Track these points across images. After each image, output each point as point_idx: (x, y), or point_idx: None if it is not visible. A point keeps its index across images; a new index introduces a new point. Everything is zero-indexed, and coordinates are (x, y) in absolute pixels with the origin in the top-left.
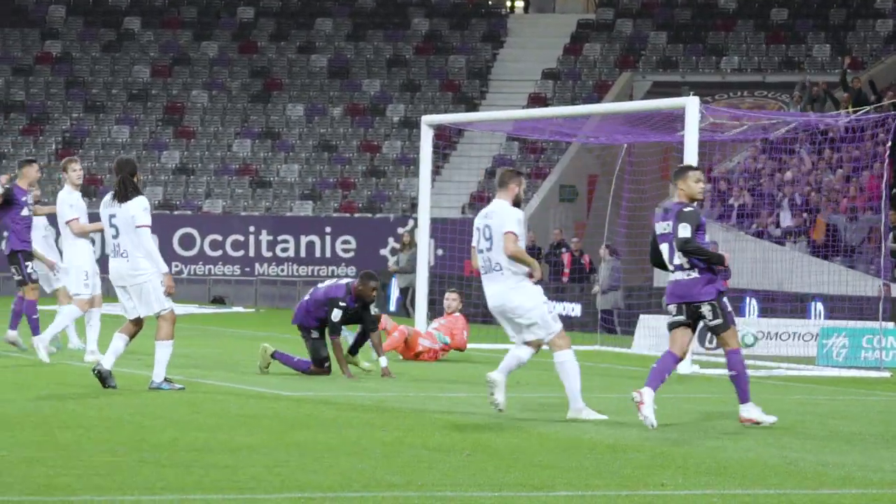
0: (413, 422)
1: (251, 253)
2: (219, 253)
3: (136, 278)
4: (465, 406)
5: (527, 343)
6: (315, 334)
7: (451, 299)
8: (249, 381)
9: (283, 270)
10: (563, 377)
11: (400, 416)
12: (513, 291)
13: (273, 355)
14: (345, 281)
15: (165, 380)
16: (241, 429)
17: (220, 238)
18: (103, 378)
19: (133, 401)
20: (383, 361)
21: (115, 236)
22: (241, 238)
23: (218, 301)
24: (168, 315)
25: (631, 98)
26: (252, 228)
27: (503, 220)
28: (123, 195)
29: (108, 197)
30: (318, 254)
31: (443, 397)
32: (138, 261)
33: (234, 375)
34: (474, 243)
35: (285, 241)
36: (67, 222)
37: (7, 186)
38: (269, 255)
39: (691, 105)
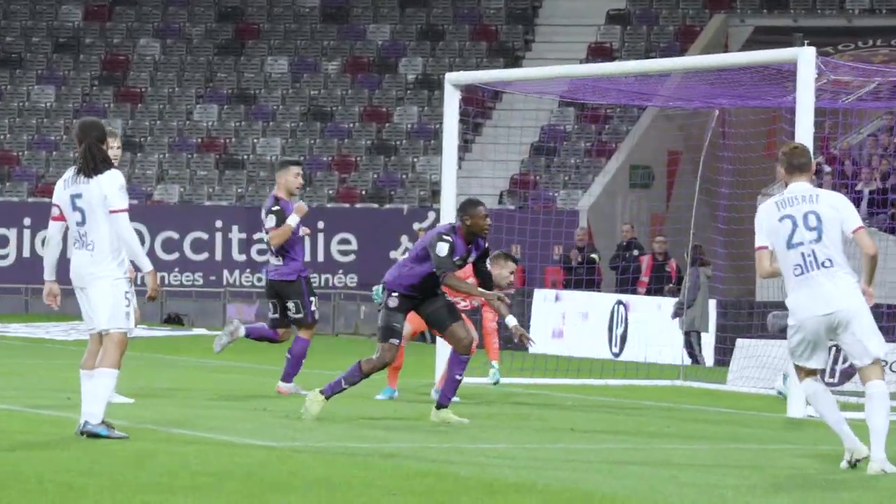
0: (433, 483)
1: (218, 256)
2: (174, 256)
3: (98, 279)
4: (503, 461)
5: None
6: (393, 302)
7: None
8: (215, 427)
9: (259, 280)
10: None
11: (416, 475)
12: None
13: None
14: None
15: (104, 423)
16: (203, 492)
17: (175, 236)
18: (100, 435)
19: (58, 454)
20: (511, 321)
21: (81, 223)
22: (205, 236)
23: (174, 321)
24: (119, 337)
25: (726, 49)
26: (219, 223)
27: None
28: (92, 167)
29: (70, 172)
30: (307, 257)
31: (472, 449)
32: (106, 256)
33: (195, 419)
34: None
35: (263, 241)
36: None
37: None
38: (242, 259)
39: (805, 58)
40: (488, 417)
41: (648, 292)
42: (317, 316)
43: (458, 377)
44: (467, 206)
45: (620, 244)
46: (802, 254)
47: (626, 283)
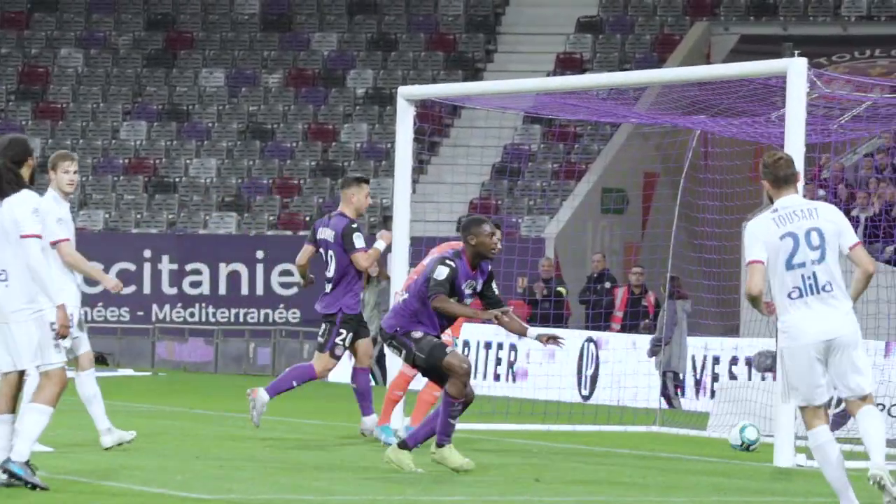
0: None
1: (146, 289)
2: (98, 290)
3: (15, 312)
4: None
5: None
6: (418, 333)
7: None
8: (143, 479)
9: (192, 315)
10: None
11: None
12: None
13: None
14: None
15: (27, 464)
16: None
17: (100, 267)
18: (19, 476)
19: None
20: (532, 333)
21: None
22: (132, 267)
23: (97, 360)
24: (55, 374)
25: (708, 60)
26: (148, 253)
27: None
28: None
29: None
30: (244, 290)
31: (427, 501)
32: (23, 287)
33: (121, 469)
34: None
35: (196, 273)
36: (54, 244)
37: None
38: (173, 292)
39: (796, 69)
40: (444, 467)
41: (623, 329)
42: (338, 352)
43: (451, 420)
44: (470, 226)
45: (591, 276)
46: (803, 276)
47: (598, 319)
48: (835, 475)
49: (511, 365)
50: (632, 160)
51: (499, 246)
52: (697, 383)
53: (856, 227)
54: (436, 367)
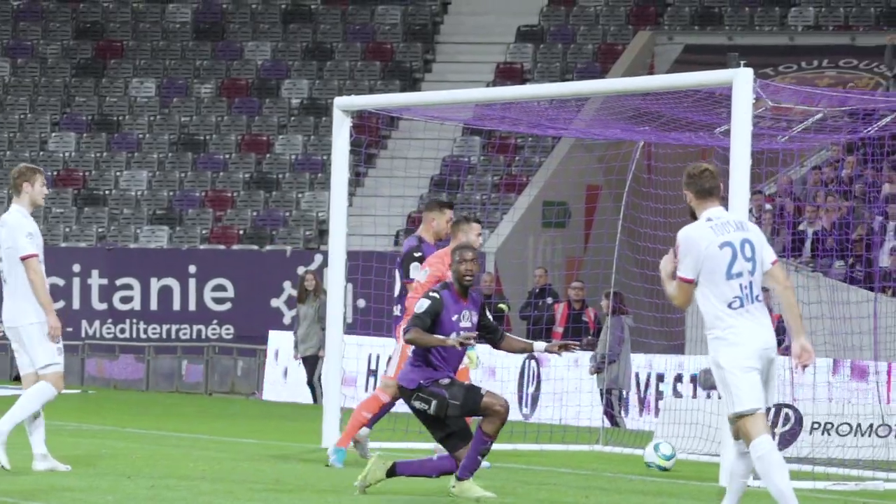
0: None
1: (75, 304)
2: None
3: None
4: None
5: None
6: (446, 379)
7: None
8: (73, 500)
9: (123, 331)
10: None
11: None
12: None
13: (395, 470)
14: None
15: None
16: None
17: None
18: None
19: None
20: (540, 345)
21: None
22: (60, 282)
23: (17, 379)
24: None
25: (651, 70)
26: (77, 268)
27: None
28: None
29: None
30: (176, 306)
31: None
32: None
33: (51, 490)
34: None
35: (127, 288)
36: (24, 258)
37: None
38: (103, 307)
39: (742, 80)
40: (381, 491)
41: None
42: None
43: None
44: (453, 252)
45: (532, 291)
46: (741, 285)
47: (539, 335)
48: (781, 486)
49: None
50: (574, 173)
51: (471, 271)
52: (641, 401)
53: (803, 242)
54: (474, 412)
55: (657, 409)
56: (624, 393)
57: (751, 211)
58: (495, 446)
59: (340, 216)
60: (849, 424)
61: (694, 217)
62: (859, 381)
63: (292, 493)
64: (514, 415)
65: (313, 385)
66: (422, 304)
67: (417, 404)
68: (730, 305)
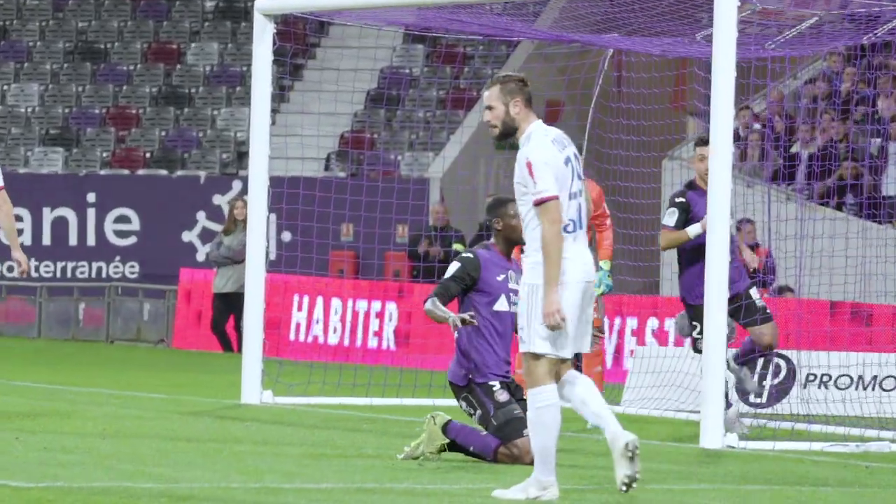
0: None
1: None
2: None
3: None
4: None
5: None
6: (504, 395)
7: None
8: None
9: (10, 269)
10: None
11: None
12: None
13: (446, 429)
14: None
15: None
16: None
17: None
18: None
19: None
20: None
21: None
22: None
23: None
24: None
25: None
26: None
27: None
28: None
29: None
30: (73, 240)
31: (290, 489)
32: None
33: None
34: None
35: (15, 219)
36: None
37: None
38: None
39: None
40: (316, 455)
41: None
42: (699, 346)
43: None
44: (494, 208)
45: (484, 223)
46: (579, 206)
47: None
48: (549, 444)
49: (387, 329)
50: (532, 86)
51: None
52: (612, 357)
53: (797, 166)
54: (504, 439)
55: (629, 359)
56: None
57: (736, 131)
58: (443, 401)
59: (262, 137)
60: (849, 377)
61: (506, 135)
62: (861, 325)
63: (207, 455)
64: None
65: (222, 330)
66: (450, 268)
67: (464, 406)
68: (565, 228)
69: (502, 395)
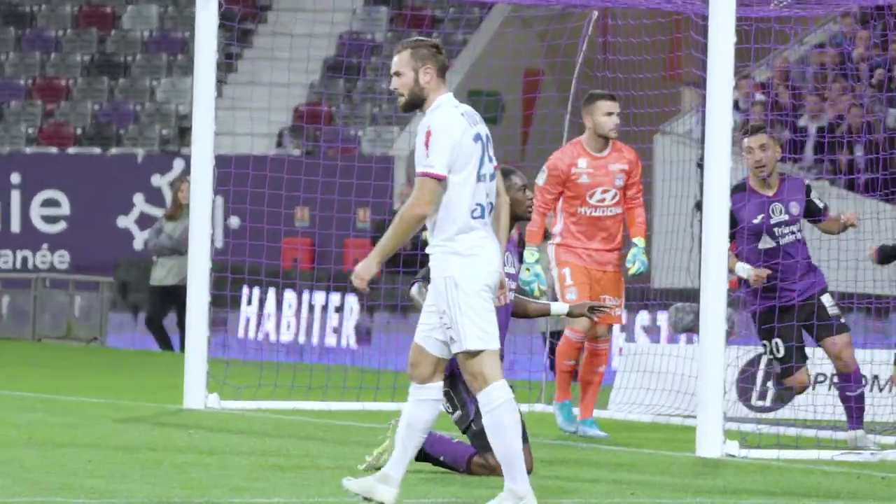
0: None
1: None
2: None
3: None
4: None
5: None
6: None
7: None
8: None
9: None
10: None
11: None
12: None
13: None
14: None
15: None
16: None
17: None
18: None
19: None
20: (561, 307)
21: None
22: None
23: None
24: None
25: None
26: None
27: None
28: None
29: None
30: None
31: None
32: None
33: None
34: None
35: None
36: None
37: None
38: None
39: None
40: (267, 466)
41: None
42: None
43: None
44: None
45: None
46: (488, 192)
47: None
48: (513, 447)
49: (347, 326)
50: (508, 53)
51: (532, 203)
52: None
53: (805, 141)
54: (480, 448)
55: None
56: None
57: (736, 103)
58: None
59: (207, 111)
60: (863, 376)
61: (413, 106)
62: (877, 320)
63: (145, 467)
64: None
65: (160, 326)
66: None
67: (443, 402)
68: (472, 213)
69: None
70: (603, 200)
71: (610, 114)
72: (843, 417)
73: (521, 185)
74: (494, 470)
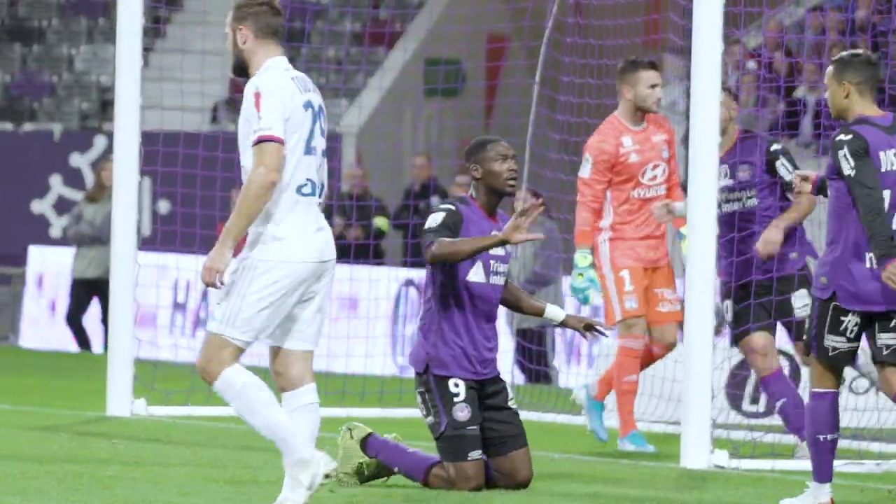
0: None
1: None
2: None
3: None
4: None
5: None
6: (464, 413)
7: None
8: None
9: None
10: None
11: None
12: None
13: (366, 445)
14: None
15: None
16: None
17: None
18: None
19: None
20: (556, 313)
21: None
22: None
23: None
24: None
25: None
26: None
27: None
28: None
29: None
30: None
31: None
32: None
33: None
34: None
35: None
36: None
37: None
38: None
39: None
40: (201, 479)
41: None
42: None
43: None
44: (472, 152)
45: (410, 188)
46: (318, 166)
47: (421, 251)
48: (274, 419)
49: None
50: (469, 17)
51: (515, 173)
52: (567, 345)
53: (801, 115)
54: (444, 458)
55: (589, 358)
56: (555, 335)
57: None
58: (359, 411)
59: (132, 82)
60: (869, 379)
61: (241, 71)
62: None
63: (64, 481)
64: (386, 366)
65: (79, 323)
66: (434, 218)
67: (419, 402)
68: (299, 190)
69: (463, 413)
70: (655, 178)
71: (654, 86)
72: (846, 424)
73: (501, 154)
74: (452, 483)
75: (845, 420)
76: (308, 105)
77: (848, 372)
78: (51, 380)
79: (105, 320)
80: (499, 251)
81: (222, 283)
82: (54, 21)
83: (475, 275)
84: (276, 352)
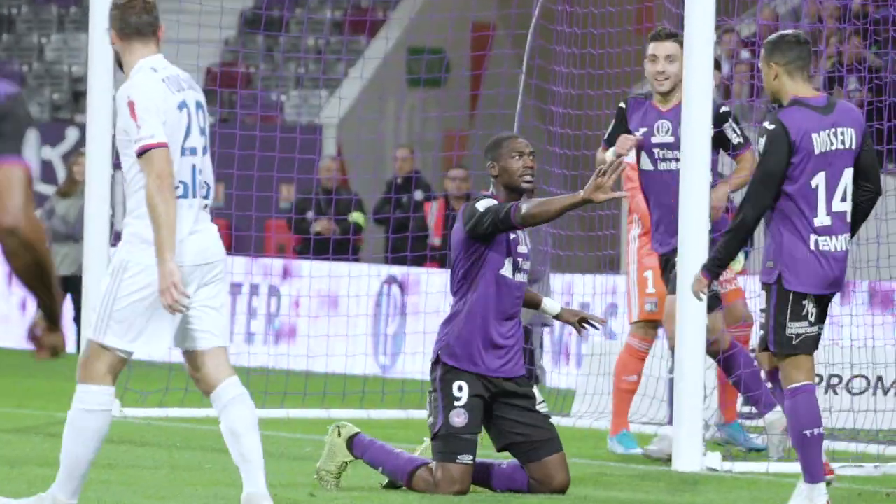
0: None
1: None
2: None
3: None
4: None
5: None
6: (461, 418)
7: None
8: None
9: None
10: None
11: None
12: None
13: (352, 445)
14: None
15: None
16: None
17: None
18: None
19: None
20: (552, 306)
21: None
22: None
23: None
24: None
25: None
26: None
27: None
28: None
29: None
30: None
31: None
32: None
33: None
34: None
35: None
36: None
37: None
38: None
39: None
40: (178, 482)
41: (440, 261)
42: None
43: None
44: (490, 149)
45: (392, 181)
46: (194, 167)
47: (403, 247)
48: (82, 456)
49: (271, 318)
50: (453, 4)
51: (531, 170)
52: (556, 345)
53: None
54: (436, 456)
55: (579, 358)
56: (543, 333)
57: (718, 60)
58: (339, 412)
59: (105, 72)
60: (865, 378)
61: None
62: (883, 312)
63: (34, 485)
64: (367, 366)
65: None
66: (487, 202)
67: (427, 400)
68: (176, 191)
69: (459, 418)
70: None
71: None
72: (843, 425)
73: (518, 150)
74: (435, 487)
75: (842, 422)
76: (182, 105)
77: (845, 371)
78: (22, 379)
79: (78, 319)
80: (522, 249)
81: (188, 297)
82: (24, 9)
83: (506, 269)
84: (187, 357)
